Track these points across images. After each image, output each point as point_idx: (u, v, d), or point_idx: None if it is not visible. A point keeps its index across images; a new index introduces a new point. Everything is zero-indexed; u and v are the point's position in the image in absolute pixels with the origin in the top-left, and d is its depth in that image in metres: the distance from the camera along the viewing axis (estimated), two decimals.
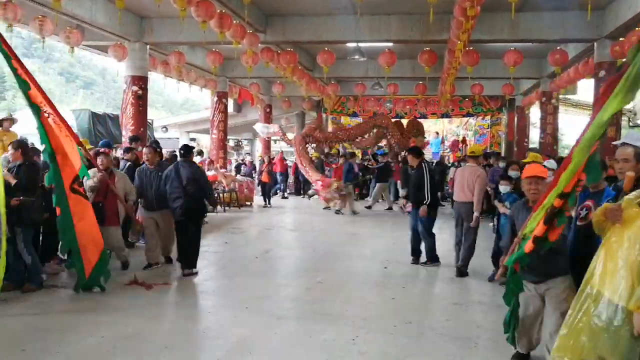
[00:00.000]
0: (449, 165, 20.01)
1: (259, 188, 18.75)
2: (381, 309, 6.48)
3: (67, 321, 5.82)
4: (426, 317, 6.17)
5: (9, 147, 7.16)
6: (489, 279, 7.75)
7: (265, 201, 17.76)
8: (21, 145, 7.10)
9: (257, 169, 21.35)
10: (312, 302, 6.74)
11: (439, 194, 10.23)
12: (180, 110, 67.50)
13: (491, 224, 10.64)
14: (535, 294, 4.56)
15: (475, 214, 8.01)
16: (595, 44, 12.78)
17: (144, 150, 9.00)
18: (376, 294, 7.15)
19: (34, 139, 7.77)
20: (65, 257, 8.09)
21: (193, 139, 34.83)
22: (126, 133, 14.05)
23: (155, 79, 16.49)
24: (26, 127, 13.02)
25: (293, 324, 5.88)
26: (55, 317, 5.99)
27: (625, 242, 3.24)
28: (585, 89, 20.20)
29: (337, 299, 6.86)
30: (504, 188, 7.84)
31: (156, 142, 13.36)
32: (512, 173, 8.27)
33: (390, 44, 14.55)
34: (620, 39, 11.89)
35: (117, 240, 8.11)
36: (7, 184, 6.31)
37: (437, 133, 27.90)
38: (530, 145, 24.55)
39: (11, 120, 10.10)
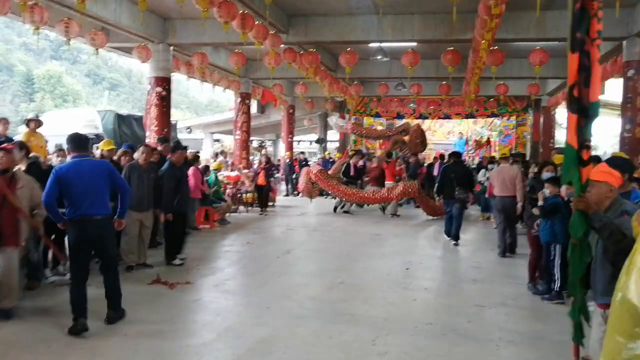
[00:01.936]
0: (475, 167, 19.39)
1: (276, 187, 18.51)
2: (402, 309, 6.44)
3: (90, 319, 5.85)
4: (447, 319, 6.11)
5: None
6: (543, 297, 7.06)
7: (261, 208, 15.77)
8: (25, 146, 7.15)
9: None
10: (333, 302, 6.72)
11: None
12: (205, 111, 68.11)
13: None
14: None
15: (519, 205, 9.45)
16: (624, 42, 12.52)
17: (141, 148, 8.55)
18: (397, 295, 7.11)
19: (62, 140, 7.86)
20: None
21: (217, 140, 35.10)
22: (150, 134, 14.19)
23: (180, 80, 16.65)
24: (53, 128, 13.28)
25: (313, 324, 5.87)
26: None
27: None
28: (614, 88, 19.84)
29: (357, 299, 6.84)
30: (549, 192, 6.97)
31: (177, 142, 13.51)
32: (546, 175, 7.78)
33: (414, 44, 14.47)
34: None
35: (10, 267, 5.85)
36: None
37: (461, 134, 27.70)
38: (557, 146, 24.25)
39: (37, 122, 10.20)
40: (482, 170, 15.57)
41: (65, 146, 6.75)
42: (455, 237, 10.96)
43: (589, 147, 3.66)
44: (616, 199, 3.78)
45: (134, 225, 8.19)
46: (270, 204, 17.51)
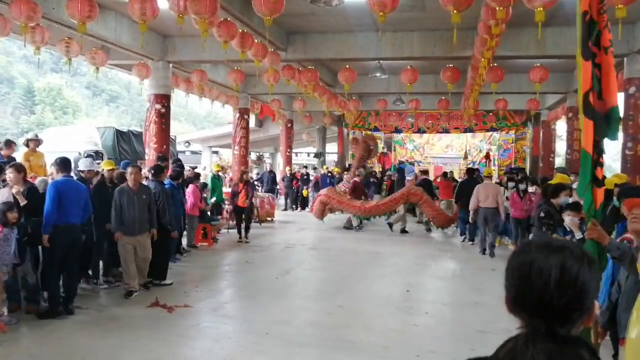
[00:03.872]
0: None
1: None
2: (403, 336, 6.37)
3: (90, 345, 5.80)
4: (450, 346, 6.05)
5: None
6: None
7: (240, 234, 13.27)
8: (22, 169, 7.15)
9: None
10: (333, 328, 6.65)
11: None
12: (204, 123, 68.18)
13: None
14: None
15: (502, 216, 11.53)
16: (625, 59, 12.52)
17: (129, 169, 8.30)
18: (398, 320, 7.03)
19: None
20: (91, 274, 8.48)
21: (215, 152, 35.10)
22: (149, 151, 14.15)
23: (179, 92, 16.63)
24: (54, 145, 13.27)
25: (314, 352, 5.80)
26: (79, 340, 5.97)
27: None
28: (619, 109, 19.84)
29: (358, 324, 6.76)
30: (570, 220, 5.47)
31: (178, 160, 13.48)
32: (564, 199, 7.22)
33: (413, 61, 14.47)
34: None
35: None
36: (16, 205, 6.56)
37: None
38: (557, 160, 24.24)
39: (36, 141, 10.21)
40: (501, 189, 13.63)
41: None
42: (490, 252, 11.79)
43: (602, 165, 3.65)
44: None
45: (125, 250, 7.98)
46: (269, 219, 17.48)
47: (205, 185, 13.37)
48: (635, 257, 3.53)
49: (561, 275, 1.27)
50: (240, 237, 13.16)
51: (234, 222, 13.71)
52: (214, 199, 13.59)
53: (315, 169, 25.08)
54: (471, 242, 13.27)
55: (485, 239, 11.88)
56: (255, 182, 22.52)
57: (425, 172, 18.31)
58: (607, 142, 3.67)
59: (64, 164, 7.10)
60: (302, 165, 26.37)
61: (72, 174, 7.34)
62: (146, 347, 5.80)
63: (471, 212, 12.29)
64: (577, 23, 3.64)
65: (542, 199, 8.47)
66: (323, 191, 16.25)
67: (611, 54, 3.61)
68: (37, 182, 7.66)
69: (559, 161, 26.58)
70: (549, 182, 9.59)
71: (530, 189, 11.41)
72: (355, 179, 16.98)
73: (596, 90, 3.56)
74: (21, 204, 6.65)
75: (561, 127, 25.14)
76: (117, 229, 7.94)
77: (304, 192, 20.93)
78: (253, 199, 14.02)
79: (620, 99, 13.18)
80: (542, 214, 7.54)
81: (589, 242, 3.59)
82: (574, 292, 1.28)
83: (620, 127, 12.62)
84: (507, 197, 11.87)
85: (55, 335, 6.08)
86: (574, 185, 8.10)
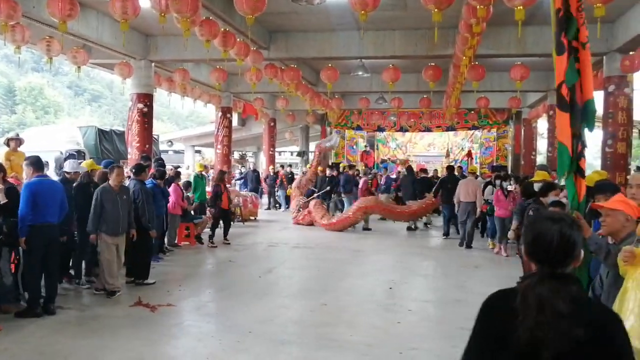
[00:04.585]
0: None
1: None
2: (386, 334, 6.40)
3: (72, 345, 5.77)
4: (432, 343, 6.10)
5: None
6: None
7: (211, 238, 12.54)
8: (2, 169, 7.09)
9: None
10: (316, 326, 6.67)
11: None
12: (186, 122, 67.82)
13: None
14: None
15: (478, 210, 12.45)
16: (604, 57, 12.67)
17: (115, 170, 8.03)
18: (381, 318, 7.07)
19: (44, 156, 7.85)
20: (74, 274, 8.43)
21: (198, 152, 34.96)
22: (132, 150, 14.08)
23: (161, 91, 16.56)
24: (36, 145, 13.13)
25: (296, 350, 5.81)
26: (60, 340, 5.93)
27: (634, 281, 3.17)
28: (595, 102, 20.03)
29: (341, 322, 6.79)
30: None
31: (160, 159, 13.42)
32: (551, 199, 7.16)
33: (395, 60, 14.53)
34: (631, 52, 11.79)
35: None
36: None
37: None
38: (538, 157, 24.45)
39: (17, 140, 10.13)
40: (489, 187, 12.72)
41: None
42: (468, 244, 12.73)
43: (584, 155, 3.72)
44: (633, 231, 3.64)
45: (109, 250, 7.90)
46: (252, 218, 17.45)
47: (189, 183, 13.32)
48: (612, 252, 3.58)
49: (560, 238, 1.94)
50: (211, 241, 12.41)
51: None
52: (195, 197, 13.51)
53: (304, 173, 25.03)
54: (445, 237, 14.10)
55: (464, 230, 12.72)
56: (238, 182, 22.55)
57: (424, 170, 18.38)
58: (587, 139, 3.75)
59: (37, 163, 7.03)
60: (286, 164, 26.25)
61: (47, 172, 7.39)
62: (128, 346, 5.78)
63: (456, 205, 13.00)
64: (551, 20, 3.76)
65: (521, 197, 8.57)
66: (365, 201, 15.55)
67: (588, 50, 3.74)
68: None
69: (541, 159, 26.84)
70: (530, 179, 9.70)
71: (510, 187, 11.50)
72: (365, 178, 17.70)
73: (575, 83, 3.66)
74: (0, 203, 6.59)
75: (542, 125, 25.39)
76: (95, 230, 7.78)
77: (288, 191, 20.90)
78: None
79: (600, 97, 13.49)
80: (531, 212, 7.45)
81: None
82: (568, 248, 1.95)
83: (600, 125, 12.80)
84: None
85: (36, 335, 6.04)
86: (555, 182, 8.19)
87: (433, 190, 14.76)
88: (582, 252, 2.01)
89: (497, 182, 11.82)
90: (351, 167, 20.49)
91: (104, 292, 7.87)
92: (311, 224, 15.97)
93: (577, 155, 3.70)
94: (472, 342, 2.14)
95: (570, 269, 1.98)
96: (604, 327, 1.89)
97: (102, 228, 7.82)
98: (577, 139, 3.69)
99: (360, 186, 17.22)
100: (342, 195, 18.04)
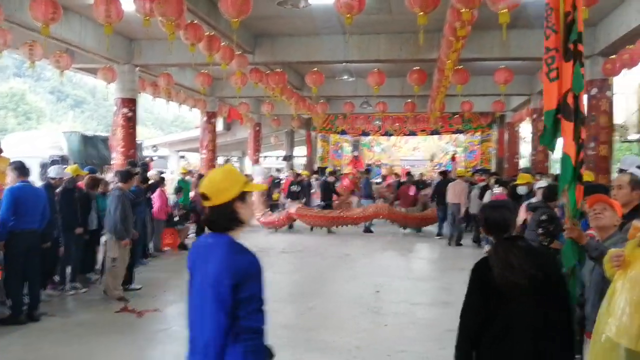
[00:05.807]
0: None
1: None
2: (374, 336, 6.40)
3: (56, 351, 5.72)
4: (420, 345, 6.10)
5: None
6: None
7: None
8: None
9: None
10: (304, 329, 6.66)
11: None
12: (171, 128, 67.44)
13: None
14: None
15: (462, 210, 13.40)
16: (586, 61, 12.74)
17: (136, 176, 8.56)
18: (369, 321, 7.07)
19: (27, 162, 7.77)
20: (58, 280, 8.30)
21: (182, 157, 34.81)
22: (116, 155, 13.96)
23: (145, 96, 16.46)
24: (19, 151, 13.00)
25: (286, 353, 5.76)
26: (46, 347, 5.89)
27: (627, 282, 3.16)
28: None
29: (329, 326, 6.78)
30: None
31: (144, 164, 13.34)
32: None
33: (380, 64, 14.56)
34: (612, 56, 11.87)
35: None
36: None
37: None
38: (522, 161, 24.60)
39: None
40: (488, 192, 12.18)
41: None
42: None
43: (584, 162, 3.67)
44: (617, 231, 3.73)
45: (126, 252, 8.04)
46: None
47: (180, 188, 13.18)
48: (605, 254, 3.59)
49: (502, 218, 3.13)
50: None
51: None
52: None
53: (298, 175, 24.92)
54: (438, 237, 14.63)
55: (453, 230, 13.51)
56: None
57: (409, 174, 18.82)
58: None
59: (21, 168, 6.96)
60: (275, 168, 26.17)
61: (30, 178, 7.16)
62: (115, 352, 5.73)
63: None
64: (560, 24, 3.67)
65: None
66: (291, 210, 15.85)
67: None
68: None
69: (524, 162, 26.99)
70: (514, 183, 9.77)
71: (497, 190, 11.53)
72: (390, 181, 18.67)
73: (580, 90, 3.55)
74: None
75: (525, 129, 25.54)
76: (127, 236, 7.90)
77: (275, 196, 20.81)
78: None
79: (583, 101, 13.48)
80: (544, 217, 7.23)
81: (569, 242, 3.57)
82: (508, 223, 3.13)
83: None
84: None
85: (21, 342, 5.98)
86: (539, 184, 8.24)
87: (430, 195, 15.82)
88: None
89: (496, 186, 11.81)
90: (332, 173, 20.16)
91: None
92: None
93: (579, 164, 3.59)
94: (469, 293, 3.22)
95: (512, 232, 3.16)
96: (547, 265, 3.03)
97: (126, 234, 7.92)
98: (580, 147, 3.58)
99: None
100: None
